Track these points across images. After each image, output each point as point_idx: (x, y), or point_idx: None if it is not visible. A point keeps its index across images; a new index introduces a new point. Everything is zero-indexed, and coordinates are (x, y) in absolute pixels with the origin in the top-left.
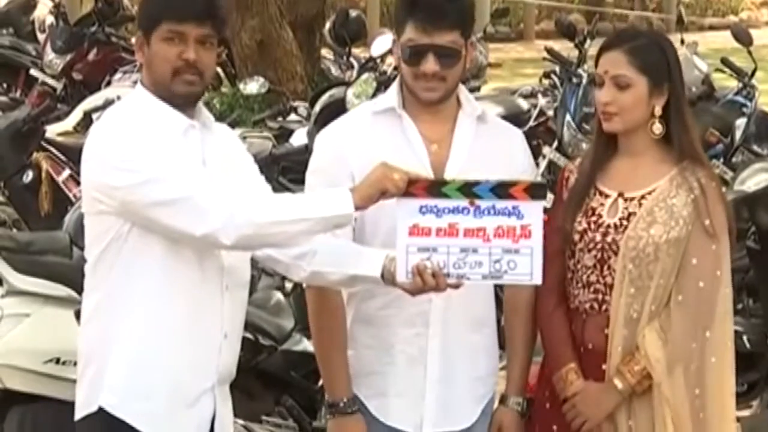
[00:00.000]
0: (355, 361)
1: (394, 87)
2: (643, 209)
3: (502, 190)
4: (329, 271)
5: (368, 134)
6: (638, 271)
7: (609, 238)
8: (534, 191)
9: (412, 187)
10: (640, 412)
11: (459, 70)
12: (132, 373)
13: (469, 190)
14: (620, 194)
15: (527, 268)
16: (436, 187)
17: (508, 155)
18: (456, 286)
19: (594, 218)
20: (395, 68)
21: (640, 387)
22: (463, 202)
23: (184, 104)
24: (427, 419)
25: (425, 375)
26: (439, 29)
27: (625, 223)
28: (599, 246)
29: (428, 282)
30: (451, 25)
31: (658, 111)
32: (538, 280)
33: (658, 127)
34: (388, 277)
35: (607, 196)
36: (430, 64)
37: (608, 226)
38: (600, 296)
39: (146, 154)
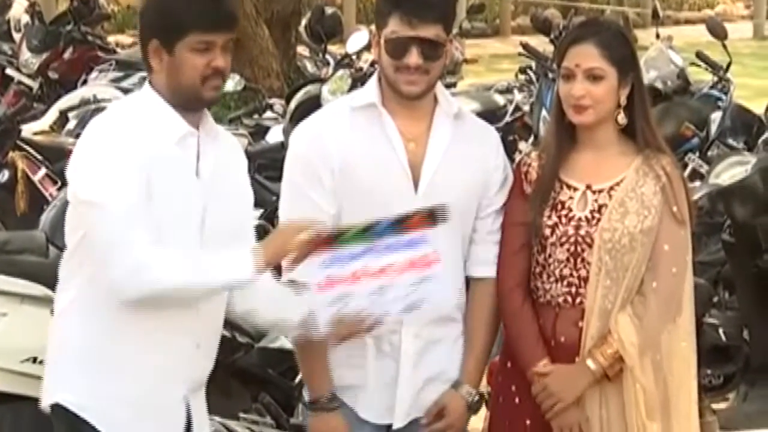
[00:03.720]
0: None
1: (373, 82)
2: (614, 200)
3: (400, 225)
4: (259, 313)
5: (347, 130)
6: (614, 263)
7: (582, 231)
8: (434, 217)
9: (314, 243)
10: (612, 399)
11: (441, 65)
12: (95, 375)
13: (367, 233)
14: (588, 186)
15: (441, 291)
16: (335, 239)
17: (482, 154)
18: (380, 324)
19: (564, 212)
20: (371, 65)
21: (612, 370)
22: (367, 246)
23: (196, 109)
24: (399, 410)
25: (398, 369)
26: (425, 22)
27: (596, 215)
28: (572, 239)
29: (350, 328)
30: (436, 19)
31: (623, 101)
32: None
33: (623, 117)
34: (307, 325)
35: (575, 189)
36: (414, 57)
37: (580, 219)
38: (574, 289)
39: (113, 173)
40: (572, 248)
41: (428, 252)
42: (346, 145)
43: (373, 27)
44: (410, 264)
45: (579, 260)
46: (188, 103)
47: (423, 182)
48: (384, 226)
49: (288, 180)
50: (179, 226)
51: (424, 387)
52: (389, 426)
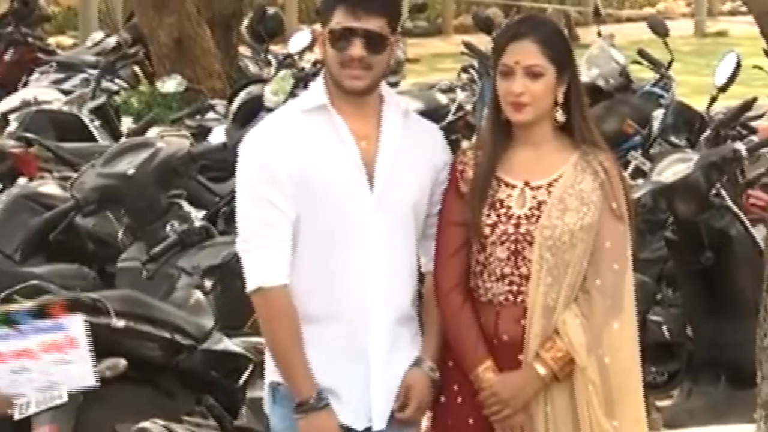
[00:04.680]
0: None
1: (320, 84)
2: (554, 197)
3: (39, 312)
4: None
5: (300, 134)
6: (555, 260)
7: (522, 229)
8: (72, 306)
9: None
10: (558, 397)
11: (385, 60)
12: None
13: (6, 319)
14: (526, 183)
15: (80, 372)
16: None
17: (432, 151)
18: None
19: (503, 210)
20: (314, 64)
21: (562, 373)
22: (5, 330)
23: None
24: (376, 411)
25: (369, 371)
26: (369, 13)
27: (536, 212)
28: (512, 238)
29: None
30: (381, 12)
31: (560, 98)
32: (91, 381)
33: (561, 115)
34: None
35: (512, 187)
36: (357, 49)
37: (519, 216)
38: (515, 288)
39: None
40: (512, 246)
41: (69, 335)
42: (300, 149)
43: (315, 26)
44: (51, 346)
45: (519, 258)
46: None
47: (378, 180)
48: (24, 313)
49: (246, 186)
50: None
51: (395, 385)
52: (363, 430)
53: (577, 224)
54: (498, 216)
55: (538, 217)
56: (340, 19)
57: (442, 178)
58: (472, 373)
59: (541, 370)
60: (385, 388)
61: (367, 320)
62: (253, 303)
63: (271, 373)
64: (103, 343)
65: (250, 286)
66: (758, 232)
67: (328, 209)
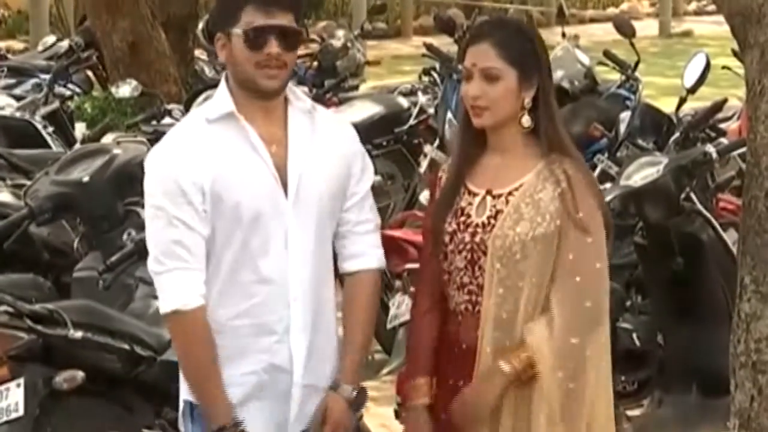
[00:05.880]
0: None
1: (223, 91)
2: (510, 206)
3: None
4: None
5: (209, 145)
6: (507, 271)
7: (477, 238)
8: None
9: None
10: (522, 409)
11: (295, 57)
12: None
13: None
14: (488, 192)
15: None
16: None
17: (341, 145)
18: None
19: (463, 218)
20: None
21: (525, 375)
22: None
23: None
24: (291, 422)
25: (291, 381)
26: (281, 9)
27: (492, 221)
28: (469, 247)
29: None
30: (290, 7)
31: (527, 103)
32: None
33: (527, 120)
34: None
35: (475, 195)
36: (273, 46)
37: (476, 225)
38: (473, 297)
39: None
40: (469, 255)
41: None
42: (210, 161)
43: None
44: None
45: (476, 268)
46: None
47: (291, 185)
48: None
49: (155, 206)
50: None
51: (312, 396)
52: None
53: (528, 235)
54: (458, 224)
55: (494, 226)
56: (251, 18)
57: (356, 169)
58: (407, 383)
59: (505, 367)
60: (302, 399)
61: (288, 332)
62: (168, 325)
63: (188, 392)
64: (60, 355)
65: (164, 308)
66: (729, 237)
67: (244, 219)
